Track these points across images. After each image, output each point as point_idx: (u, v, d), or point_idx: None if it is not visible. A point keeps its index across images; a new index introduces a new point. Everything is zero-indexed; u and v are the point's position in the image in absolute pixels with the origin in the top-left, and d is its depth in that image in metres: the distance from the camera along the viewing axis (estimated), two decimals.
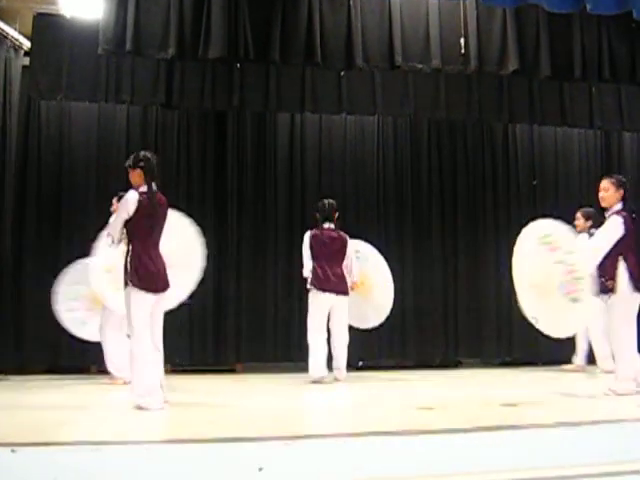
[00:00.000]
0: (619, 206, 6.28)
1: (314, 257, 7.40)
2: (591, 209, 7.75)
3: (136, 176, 5.46)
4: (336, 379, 7.35)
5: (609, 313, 6.20)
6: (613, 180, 6.37)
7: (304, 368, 7.40)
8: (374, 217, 9.20)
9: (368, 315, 7.86)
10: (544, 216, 6.62)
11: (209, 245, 8.79)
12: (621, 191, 6.30)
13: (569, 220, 9.45)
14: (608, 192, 6.33)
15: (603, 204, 6.41)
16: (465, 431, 4.19)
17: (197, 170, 8.94)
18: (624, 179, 6.46)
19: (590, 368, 8.04)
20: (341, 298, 7.40)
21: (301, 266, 7.46)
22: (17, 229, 8.20)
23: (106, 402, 6.24)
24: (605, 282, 6.16)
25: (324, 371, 7.26)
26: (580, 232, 7.54)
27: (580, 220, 7.82)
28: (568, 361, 8.29)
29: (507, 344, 9.48)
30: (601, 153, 10.04)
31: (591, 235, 7.03)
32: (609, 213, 6.31)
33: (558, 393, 6.63)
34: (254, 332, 8.35)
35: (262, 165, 9.12)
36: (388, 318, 7.88)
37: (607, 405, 5.80)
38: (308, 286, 7.40)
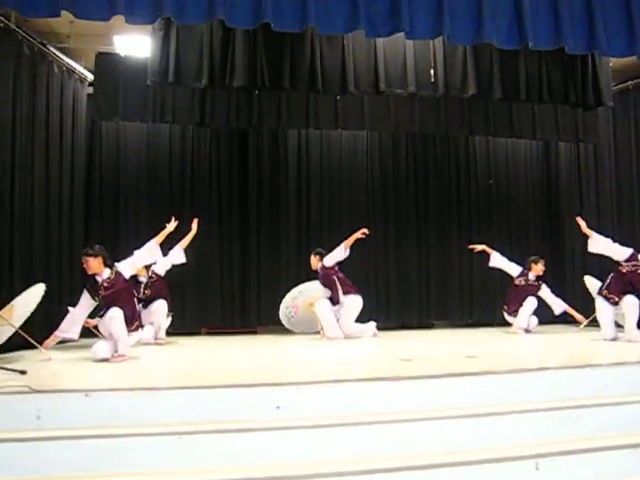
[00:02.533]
0: None
1: None
2: None
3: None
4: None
5: None
6: None
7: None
8: (364, 210, 9.19)
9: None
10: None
11: (236, 234, 8.91)
12: None
13: (517, 215, 9.54)
14: None
15: None
16: (437, 377, 4.22)
17: (225, 174, 8.97)
18: None
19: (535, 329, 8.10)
20: None
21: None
22: (85, 225, 8.19)
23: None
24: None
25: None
26: None
27: None
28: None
29: (469, 309, 9.52)
30: (542, 158, 10.07)
31: None
32: None
33: (507, 348, 6.69)
34: (271, 303, 8.37)
35: (276, 169, 9.13)
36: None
37: (542, 356, 5.84)
38: None
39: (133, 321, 5.56)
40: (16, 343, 5.65)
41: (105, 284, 5.41)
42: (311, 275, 7.95)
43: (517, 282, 8.07)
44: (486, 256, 8.32)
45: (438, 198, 9.55)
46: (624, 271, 6.51)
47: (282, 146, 9.17)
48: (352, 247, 7.60)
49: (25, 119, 6.70)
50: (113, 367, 5.11)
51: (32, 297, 5.62)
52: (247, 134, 8.99)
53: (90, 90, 8.05)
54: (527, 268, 8.07)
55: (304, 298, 7.90)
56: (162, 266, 7.15)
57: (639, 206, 8.48)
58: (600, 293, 6.69)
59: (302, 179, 9.22)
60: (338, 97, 7.91)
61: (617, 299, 6.51)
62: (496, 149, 9.84)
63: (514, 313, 8.05)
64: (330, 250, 7.66)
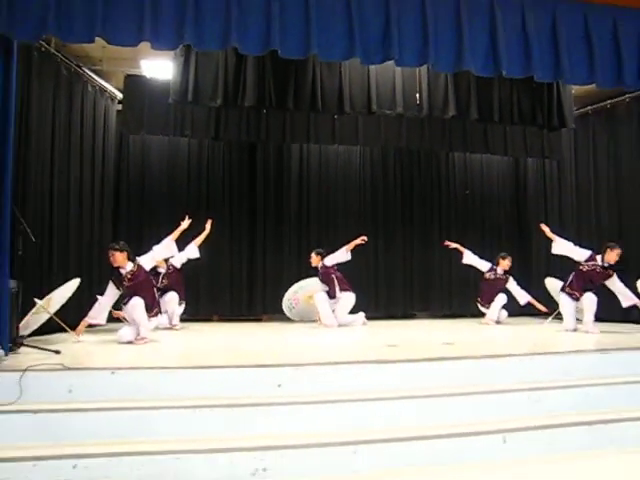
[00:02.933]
0: None
1: None
2: None
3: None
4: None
5: None
6: None
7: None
8: (356, 215, 9.20)
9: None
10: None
11: (245, 234, 8.92)
12: None
13: (490, 221, 9.54)
14: None
15: None
16: (418, 361, 4.22)
17: (235, 182, 8.96)
18: None
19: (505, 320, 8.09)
20: None
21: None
22: (114, 225, 8.19)
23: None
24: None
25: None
26: None
27: None
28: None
29: (448, 302, 9.53)
30: (512, 172, 10.08)
31: None
32: None
33: (480, 336, 6.69)
34: (275, 295, 8.37)
35: (280, 178, 9.13)
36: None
37: (510, 344, 5.84)
38: None
39: (153, 308, 5.62)
40: (53, 327, 5.66)
41: (129, 276, 5.45)
42: (310, 272, 7.96)
43: (487, 276, 8.07)
44: (459, 254, 8.32)
45: (421, 205, 9.56)
46: (584, 270, 6.53)
47: (286, 158, 9.17)
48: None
49: (62, 131, 6.71)
50: (136, 348, 5.11)
51: (67, 290, 5.70)
52: (256, 147, 8.98)
53: (119, 107, 8.05)
54: (495, 264, 8.07)
55: (304, 292, 7.93)
56: (178, 259, 7.17)
57: (595, 214, 8.51)
58: (563, 289, 6.71)
59: (303, 187, 9.22)
60: (335, 116, 7.91)
61: (578, 295, 6.53)
62: (472, 163, 9.85)
63: (486, 304, 8.07)
64: (328, 250, 7.68)
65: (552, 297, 7.60)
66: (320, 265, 7.64)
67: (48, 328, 5.67)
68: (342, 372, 3.96)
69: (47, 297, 5.42)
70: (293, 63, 6.41)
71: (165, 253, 6.25)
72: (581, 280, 6.55)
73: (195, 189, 8.86)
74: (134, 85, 7.64)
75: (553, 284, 7.61)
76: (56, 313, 5.48)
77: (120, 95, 7.97)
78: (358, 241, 7.61)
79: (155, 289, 5.93)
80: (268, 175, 9.07)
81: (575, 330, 6.52)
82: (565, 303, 6.69)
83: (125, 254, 5.48)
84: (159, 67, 7.35)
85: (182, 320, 7.36)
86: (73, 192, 6.92)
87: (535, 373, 4.25)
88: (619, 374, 4.34)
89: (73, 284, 5.76)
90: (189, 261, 7.35)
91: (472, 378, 4.10)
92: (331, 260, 7.58)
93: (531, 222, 9.50)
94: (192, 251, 7.28)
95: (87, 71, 7.21)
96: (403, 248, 9.42)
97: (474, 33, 5.29)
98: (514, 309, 8.25)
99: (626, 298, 6.45)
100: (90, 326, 5.78)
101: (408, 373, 4.05)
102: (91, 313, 5.54)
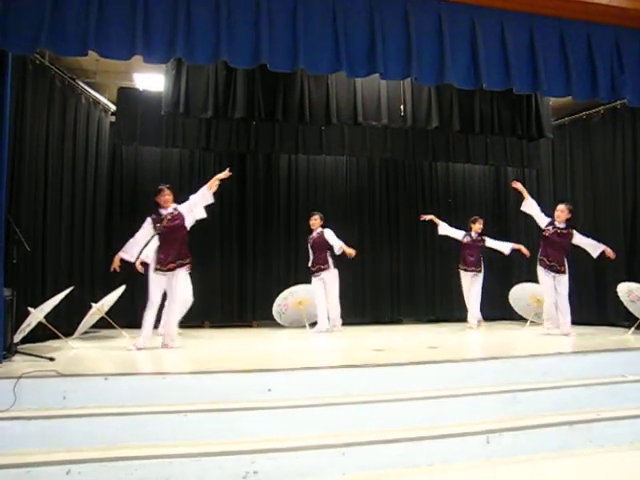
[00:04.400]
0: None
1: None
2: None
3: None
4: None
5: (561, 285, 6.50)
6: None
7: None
8: (343, 223, 9.12)
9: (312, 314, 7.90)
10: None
11: (235, 242, 8.88)
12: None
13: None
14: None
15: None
16: (404, 364, 4.22)
17: (226, 192, 8.85)
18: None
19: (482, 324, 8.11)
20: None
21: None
22: (108, 234, 8.13)
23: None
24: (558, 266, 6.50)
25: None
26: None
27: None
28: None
29: (432, 307, 9.55)
30: (493, 181, 10.13)
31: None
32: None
33: (463, 340, 6.70)
34: (264, 302, 8.35)
35: (270, 188, 9.11)
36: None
37: (492, 347, 5.86)
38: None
39: (186, 257, 5.62)
40: (47, 334, 5.60)
41: (169, 217, 5.51)
42: (299, 280, 7.95)
43: (464, 241, 7.98)
44: (435, 226, 8.29)
45: (406, 213, 9.56)
46: (547, 235, 6.63)
47: (275, 168, 9.15)
48: (334, 255, 7.55)
49: (56, 143, 6.65)
50: (128, 354, 5.07)
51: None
52: (245, 157, 8.96)
53: (112, 119, 8.01)
54: (468, 229, 8.07)
55: (294, 298, 7.91)
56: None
57: (573, 220, 8.56)
58: (540, 262, 6.71)
59: (291, 196, 9.21)
60: (323, 127, 7.93)
61: (548, 262, 6.56)
62: (455, 173, 9.90)
63: (469, 267, 7.89)
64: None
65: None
66: (319, 230, 7.48)
67: (42, 335, 5.61)
68: (330, 376, 3.95)
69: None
70: (282, 76, 6.42)
71: (202, 202, 5.97)
72: (549, 246, 6.59)
73: (186, 198, 8.77)
74: (127, 97, 7.61)
75: (515, 294, 7.75)
76: (48, 320, 5.42)
77: (113, 107, 7.94)
78: (350, 252, 7.27)
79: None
80: (258, 184, 9.06)
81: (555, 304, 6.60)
82: (541, 275, 6.72)
83: (172, 196, 5.62)
84: (151, 80, 7.34)
85: None
86: (66, 202, 6.86)
87: (517, 375, 4.27)
88: (597, 375, 4.37)
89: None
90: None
91: (456, 381, 4.10)
92: (330, 236, 7.39)
93: (511, 229, 9.57)
94: (200, 211, 6.50)
95: (81, 83, 7.17)
96: (389, 255, 9.43)
97: (456, 47, 5.35)
98: (497, 314, 8.28)
99: (595, 248, 6.61)
100: (84, 332, 5.71)
101: (394, 376, 4.04)
102: (124, 248, 5.54)
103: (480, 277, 7.86)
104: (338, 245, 7.33)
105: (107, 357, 5.01)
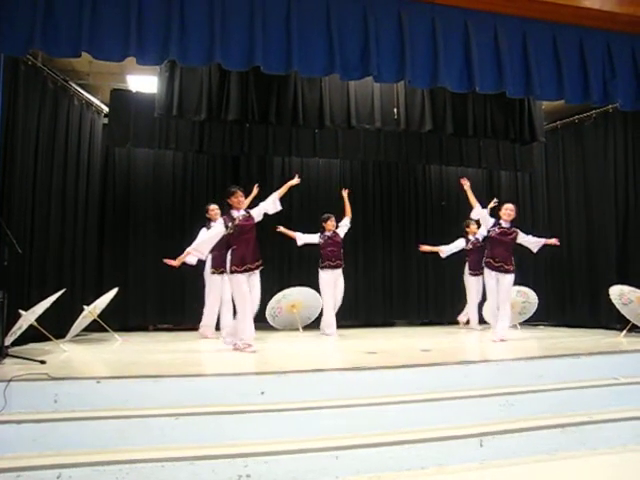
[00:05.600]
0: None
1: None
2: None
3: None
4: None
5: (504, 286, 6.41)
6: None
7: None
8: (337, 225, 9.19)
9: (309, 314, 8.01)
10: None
11: None
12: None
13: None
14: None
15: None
16: (397, 367, 4.21)
17: (220, 194, 8.80)
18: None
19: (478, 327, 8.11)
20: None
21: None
22: (100, 236, 8.13)
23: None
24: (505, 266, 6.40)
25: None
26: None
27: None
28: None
29: (425, 310, 9.55)
30: (486, 184, 10.11)
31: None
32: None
33: (455, 343, 6.70)
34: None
35: (263, 190, 9.00)
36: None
37: (486, 350, 5.87)
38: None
39: (260, 258, 5.71)
40: (36, 337, 5.55)
41: (241, 217, 5.52)
42: (292, 282, 7.92)
43: (469, 248, 8.01)
44: (437, 255, 8.33)
45: (399, 216, 9.59)
46: (493, 235, 6.56)
47: (268, 171, 9.13)
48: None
49: (47, 145, 6.61)
50: (120, 357, 5.03)
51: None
52: (239, 160, 8.94)
53: (105, 121, 7.99)
54: (465, 234, 8.06)
55: (287, 301, 7.89)
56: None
57: (566, 223, 8.64)
58: (486, 264, 6.61)
59: (285, 198, 9.14)
60: (316, 130, 7.94)
61: (495, 263, 6.47)
62: (448, 176, 9.90)
63: (476, 271, 7.83)
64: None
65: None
66: (333, 230, 7.56)
67: (31, 337, 5.56)
68: (324, 379, 3.93)
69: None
70: (275, 79, 6.42)
71: (272, 209, 6.04)
72: (496, 246, 6.51)
73: (180, 201, 8.78)
74: (120, 99, 7.59)
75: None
76: (39, 323, 5.37)
77: (106, 109, 7.91)
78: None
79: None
80: (251, 187, 8.99)
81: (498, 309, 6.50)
82: (486, 277, 6.65)
83: (245, 200, 5.66)
84: (145, 82, 7.33)
85: (167, 329, 7.26)
86: (58, 204, 6.82)
87: (510, 378, 4.26)
88: (590, 377, 4.38)
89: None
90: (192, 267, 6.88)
91: (449, 384, 4.10)
92: (342, 231, 7.55)
93: None
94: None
95: (73, 85, 7.14)
96: (382, 258, 9.43)
97: (449, 51, 5.37)
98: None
99: (537, 244, 6.68)
100: (76, 335, 5.65)
101: (387, 379, 4.03)
102: (194, 245, 5.54)
103: (480, 280, 7.91)
104: (345, 220, 7.60)
105: (99, 360, 4.97)
